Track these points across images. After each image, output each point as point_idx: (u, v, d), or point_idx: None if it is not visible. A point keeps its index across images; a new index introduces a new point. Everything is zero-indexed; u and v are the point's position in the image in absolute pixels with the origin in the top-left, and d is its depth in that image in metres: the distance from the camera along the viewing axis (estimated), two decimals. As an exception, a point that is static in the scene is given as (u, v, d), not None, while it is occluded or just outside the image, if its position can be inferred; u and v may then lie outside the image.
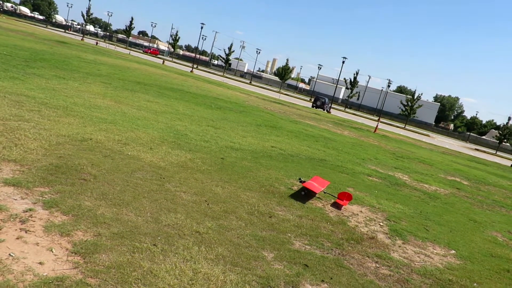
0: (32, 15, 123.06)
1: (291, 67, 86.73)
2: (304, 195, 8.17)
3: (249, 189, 7.79)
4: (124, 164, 7.30)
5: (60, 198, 5.27)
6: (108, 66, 27.96)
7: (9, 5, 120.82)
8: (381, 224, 7.78)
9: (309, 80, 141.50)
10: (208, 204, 6.42)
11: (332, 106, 58.90)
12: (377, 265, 5.82)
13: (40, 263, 3.85)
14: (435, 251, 7.02)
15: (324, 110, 51.94)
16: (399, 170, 15.32)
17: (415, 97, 68.19)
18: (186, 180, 7.32)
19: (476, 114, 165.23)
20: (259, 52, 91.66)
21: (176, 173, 7.62)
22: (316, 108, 51.38)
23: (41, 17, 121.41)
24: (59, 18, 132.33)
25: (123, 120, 11.11)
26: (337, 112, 56.42)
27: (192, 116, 15.31)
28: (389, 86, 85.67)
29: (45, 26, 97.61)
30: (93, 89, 15.48)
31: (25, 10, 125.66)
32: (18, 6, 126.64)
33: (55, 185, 5.65)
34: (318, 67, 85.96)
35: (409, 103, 67.91)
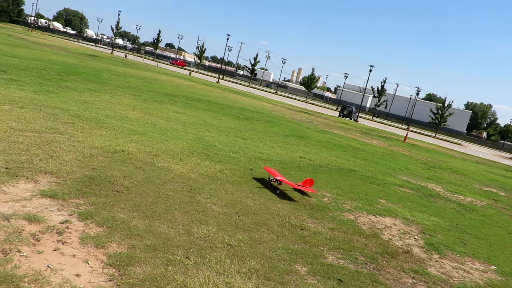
0: (65, 30, 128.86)
1: (317, 76, 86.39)
2: (279, 193, 8.15)
3: (280, 200, 7.71)
4: (155, 176, 7.40)
5: (94, 210, 5.37)
6: (137, 78, 28.76)
7: (43, 21, 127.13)
8: (416, 237, 7.49)
9: (335, 89, 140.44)
10: (239, 216, 6.38)
11: (359, 115, 58.04)
12: (414, 280, 5.58)
13: (77, 275, 3.91)
14: (474, 266, 6.68)
15: (351, 119, 51.26)
16: (432, 181, 14.80)
17: (446, 104, 66.24)
18: (216, 192, 7.32)
19: (511, 122, 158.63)
20: (285, 62, 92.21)
21: (206, 184, 7.64)
22: (343, 117, 50.79)
23: (73, 32, 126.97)
24: (90, 32, 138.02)
25: (153, 131, 11.32)
26: (365, 121, 55.48)
27: (220, 127, 15.42)
28: (418, 94, 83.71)
29: (76, 40, 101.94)
30: (123, 101, 15.91)
31: (58, 25, 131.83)
32: (51, 22, 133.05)
33: (90, 197, 5.77)
34: (345, 76, 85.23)
35: (439, 111, 66.01)
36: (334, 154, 15.44)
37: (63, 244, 4.39)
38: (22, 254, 4.00)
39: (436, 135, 66.89)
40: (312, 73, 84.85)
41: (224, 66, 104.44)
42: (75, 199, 5.58)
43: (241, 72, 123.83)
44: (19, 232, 4.40)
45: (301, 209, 7.53)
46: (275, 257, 5.28)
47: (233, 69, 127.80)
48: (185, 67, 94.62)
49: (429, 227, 8.32)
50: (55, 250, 4.24)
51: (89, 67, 28.78)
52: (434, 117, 66.98)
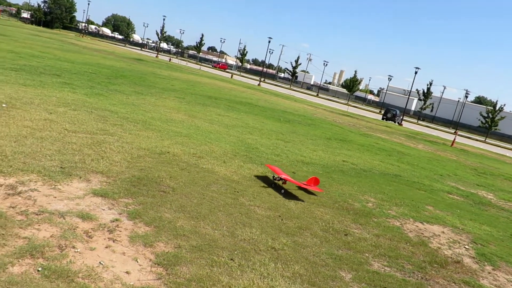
0: (113, 35, 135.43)
1: (359, 79, 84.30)
2: (284, 192, 7.73)
3: (323, 205, 7.55)
4: (200, 177, 7.51)
5: (142, 210, 5.53)
6: (181, 81, 29.55)
7: (93, 27, 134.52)
8: (466, 247, 7.04)
9: (378, 91, 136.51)
10: (282, 220, 6.31)
11: (403, 118, 55.91)
12: (469, 295, 5.22)
13: (127, 272, 4.02)
14: (537, 283, 6.14)
15: (395, 122, 49.49)
16: (483, 188, 13.89)
17: (497, 108, 62.18)
18: (259, 194, 7.30)
19: None
20: (326, 64, 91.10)
21: (249, 187, 7.65)
22: (386, 120, 49.15)
23: (120, 37, 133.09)
24: (136, 37, 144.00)
25: (197, 133, 11.54)
26: (409, 125, 53.36)
27: (262, 129, 15.45)
28: (466, 96, 79.33)
29: (123, 45, 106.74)
30: (168, 104, 16.38)
31: (107, 31, 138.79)
32: (100, 28, 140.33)
33: (138, 197, 5.95)
34: (388, 78, 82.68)
35: (490, 114, 62.03)
36: (378, 158, 14.94)
37: (113, 242, 4.54)
38: (76, 250, 4.18)
39: (486, 140, 63.00)
40: (354, 76, 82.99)
41: (265, 69, 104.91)
42: (124, 198, 5.78)
43: (282, 75, 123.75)
44: (73, 229, 4.61)
45: (344, 214, 7.32)
46: (319, 262, 5.16)
47: (274, 71, 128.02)
48: (227, 70, 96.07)
49: (481, 237, 7.80)
50: (106, 247, 4.40)
51: (136, 70, 29.98)
52: (484, 121, 63.10)
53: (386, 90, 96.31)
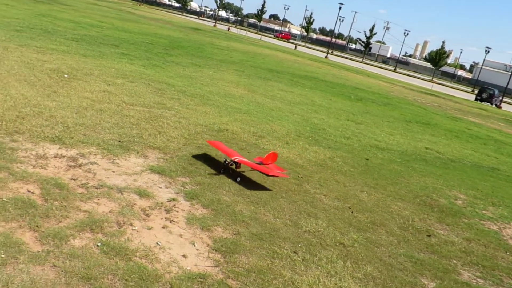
0: (170, 3, 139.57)
1: (447, 51, 78.85)
2: (240, 181, 6.33)
3: (401, 198, 7.26)
4: (261, 159, 7.57)
5: (200, 190, 5.72)
6: (240, 53, 29.81)
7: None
8: None
9: (471, 66, 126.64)
10: (352, 212, 6.18)
11: (503, 99, 51.42)
12: None
13: (183, 256, 4.21)
14: None
15: (492, 104, 45.74)
16: None
17: None
18: (326, 182, 7.21)
19: None
20: (407, 34, 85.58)
21: (315, 172, 7.57)
22: (481, 101, 45.60)
23: (177, 5, 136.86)
24: (194, 5, 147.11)
25: (257, 110, 11.62)
26: (511, 108, 49.06)
27: (330, 108, 15.16)
28: None
29: (180, 13, 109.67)
30: (226, 77, 16.65)
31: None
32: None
33: (195, 176, 6.17)
34: (485, 51, 75.79)
35: None
36: (469, 147, 13.97)
37: (170, 222, 4.77)
38: (134, 228, 4.45)
39: None
40: (442, 47, 77.62)
41: (334, 39, 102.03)
42: (181, 177, 6.02)
43: (353, 46, 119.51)
44: (131, 206, 4.91)
45: (427, 211, 6.98)
46: (396, 265, 4.99)
47: (344, 42, 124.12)
48: (290, 41, 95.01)
49: None
50: (163, 227, 4.63)
51: (193, 40, 30.75)
52: None
53: (482, 65, 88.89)
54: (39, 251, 3.73)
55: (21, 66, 10.19)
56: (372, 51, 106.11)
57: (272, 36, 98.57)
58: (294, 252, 4.72)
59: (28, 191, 4.69)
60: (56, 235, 4.00)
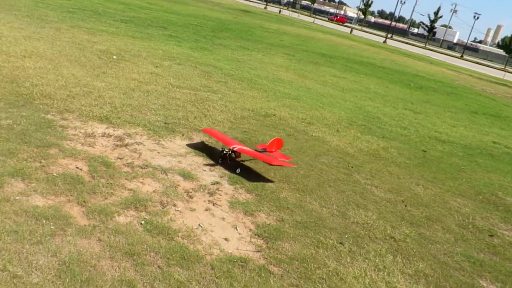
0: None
1: (524, 36, 73.60)
2: (239, 172, 5.90)
3: (461, 194, 6.98)
4: (308, 146, 7.56)
5: (244, 175, 5.82)
6: (291, 36, 29.61)
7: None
8: None
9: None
10: (405, 206, 6.04)
11: None
12: None
13: (225, 239, 4.33)
14: None
15: None
16: None
17: None
18: (379, 173, 7.07)
19: None
20: (477, 18, 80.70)
21: (367, 162, 7.45)
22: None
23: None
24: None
25: (307, 96, 11.55)
26: None
27: (386, 96, 14.75)
28: None
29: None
30: (276, 61, 16.63)
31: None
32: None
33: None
34: None
35: None
36: (545, 143, 13.08)
37: (213, 205, 4.90)
38: (177, 209, 4.63)
39: None
40: (519, 32, 72.65)
41: (393, 23, 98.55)
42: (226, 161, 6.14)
43: (416, 30, 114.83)
44: (175, 187, 5.09)
45: (491, 209, 6.67)
46: (452, 263, 4.83)
47: (405, 26, 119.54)
48: (346, 24, 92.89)
49: None
50: (206, 210, 4.78)
51: (242, 23, 30.91)
52: None
53: None
54: (85, 225, 3.99)
55: (72, 47, 10.77)
56: (437, 36, 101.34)
57: (326, 19, 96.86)
58: (340, 243, 4.70)
59: (77, 167, 4.99)
60: (102, 211, 4.25)
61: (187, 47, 14.91)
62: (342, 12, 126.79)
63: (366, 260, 4.50)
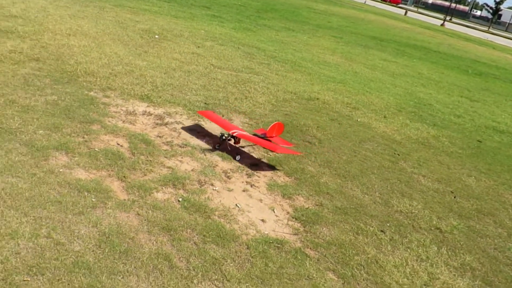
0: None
1: None
2: (240, 160, 5.64)
3: (517, 188, 6.73)
4: (353, 131, 7.52)
5: (283, 158, 5.90)
6: (340, 18, 29.08)
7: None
8: None
9: None
10: (455, 197, 5.91)
11: None
12: None
13: (262, 220, 4.44)
14: None
15: None
16: None
17: None
18: (427, 162, 6.94)
19: None
20: (550, -3, 75.77)
21: (415, 151, 7.32)
22: None
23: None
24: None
25: (353, 80, 11.40)
26: None
27: (440, 82, 14.28)
28: None
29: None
30: (322, 43, 16.46)
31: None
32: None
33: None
34: None
35: None
36: None
37: (251, 186, 5.03)
38: (214, 188, 4.79)
39: None
40: None
41: (453, 4, 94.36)
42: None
43: (478, 13, 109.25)
44: (213, 167, 5.25)
45: (551, 205, 6.39)
46: (502, 259, 4.72)
47: (466, 8, 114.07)
48: (400, 5, 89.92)
49: None
50: (243, 191, 4.91)
51: (288, 3, 30.64)
52: None
53: None
54: (125, 200, 4.22)
55: (115, 25, 11.16)
56: (502, 19, 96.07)
57: (379, 0, 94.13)
58: (381, 231, 4.70)
59: (118, 144, 5.25)
60: (141, 186, 4.47)
61: (230, 28, 15.03)
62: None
63: (408, 250, 4.48)
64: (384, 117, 8.80)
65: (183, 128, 6.17)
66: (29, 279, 3.06)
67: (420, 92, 11.89)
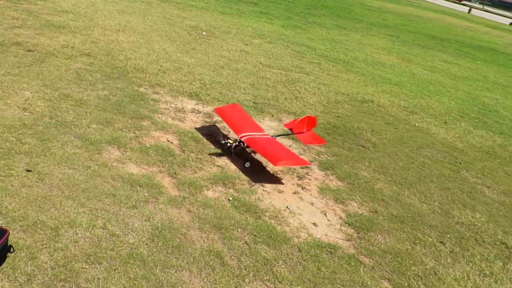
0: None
1: None
2: (249, 167, 5.36)
3: None
4: (410, 137, 7.49)
5: (336, 162, 5.99)
6: (396, 15, 28.68)
7: None
8: None
9: None
10: (522, 211, 5.80)
11: None
12: None
13: (314, 224, 4.57)
14: None
15: None
16: None
17: None
18: (492, 172, 6.82)
19: None
20: None
21: (478, 160, 7.21)
22: None
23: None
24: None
25: (411, 83, 11.30)
26: None
27: (508, 86, 13.86)
28: None
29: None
30: (376, 43, 16.35)
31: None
32: None
33: (332, 147, 6.44)
34: None
35: None
36: None
37: (302, 189, 5.16)
38: (264, 189, 4.95)
39: None
40: None
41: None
42: (317, 146, 6.35)
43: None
44: (263, 168, 5.42)
45: None
46: None
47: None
48: (463, 2, 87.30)
49: None
50: (294, 193, 5.04)
51: (340, 0, 30.57)
52: None
53: None
54: (176, 196, 4.46)
55: (163, 21, 11.61)
56: None
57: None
58: (441, 242, 4.71)
59: (168, 140, 5.53)
60: (192, 184, 4.70)
61: (279, 25, 15.24)
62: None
63: (470, 263, 4.47)
64: (445, 122, 8.69)
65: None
66: (87, 266, 3.34)
67: (485, 97, 11.61)
